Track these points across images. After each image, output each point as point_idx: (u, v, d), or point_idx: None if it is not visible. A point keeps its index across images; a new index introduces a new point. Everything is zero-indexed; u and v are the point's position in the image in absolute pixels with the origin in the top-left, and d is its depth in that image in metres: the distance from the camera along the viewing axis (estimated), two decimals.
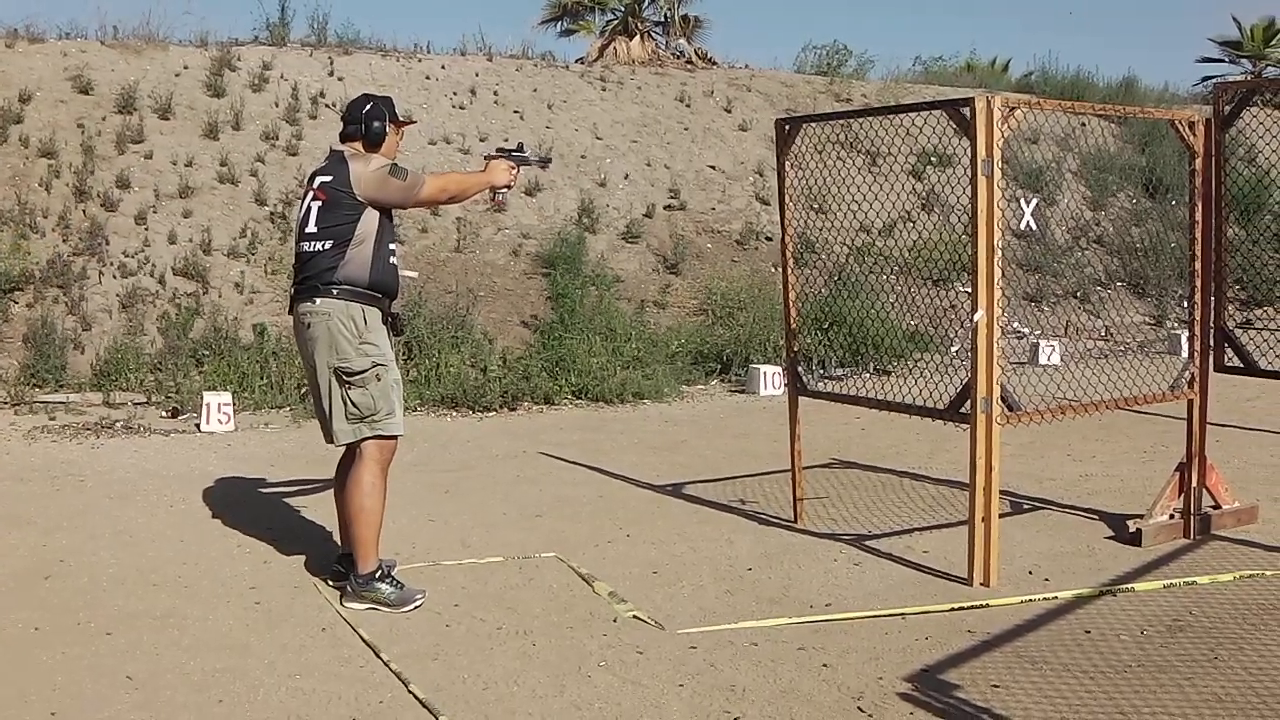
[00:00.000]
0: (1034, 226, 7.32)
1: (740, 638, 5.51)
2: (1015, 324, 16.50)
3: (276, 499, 8.19)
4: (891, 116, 7.41)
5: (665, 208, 17.32)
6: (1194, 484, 7.11)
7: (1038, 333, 16.13)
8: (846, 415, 10.47)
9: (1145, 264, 18.68)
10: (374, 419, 5.93)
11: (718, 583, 6.35)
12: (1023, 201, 6.61)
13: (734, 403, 12.70)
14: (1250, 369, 7.08)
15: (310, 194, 6.02)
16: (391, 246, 6.09)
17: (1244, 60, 31.52)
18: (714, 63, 22.43)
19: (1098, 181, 20.47)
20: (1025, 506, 7.89)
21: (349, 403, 5.91)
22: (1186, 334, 7.55)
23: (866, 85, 22.31)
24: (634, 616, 5.77)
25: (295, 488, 8.39)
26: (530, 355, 13.09)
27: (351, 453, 6.03)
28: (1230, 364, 7.10)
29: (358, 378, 5.89)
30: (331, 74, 17.54)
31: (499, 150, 6.55)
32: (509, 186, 6.46)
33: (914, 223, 16.93)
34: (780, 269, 7.53)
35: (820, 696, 4.84)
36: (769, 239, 17.01)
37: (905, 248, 15.80)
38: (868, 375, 12.28)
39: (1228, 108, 7.08)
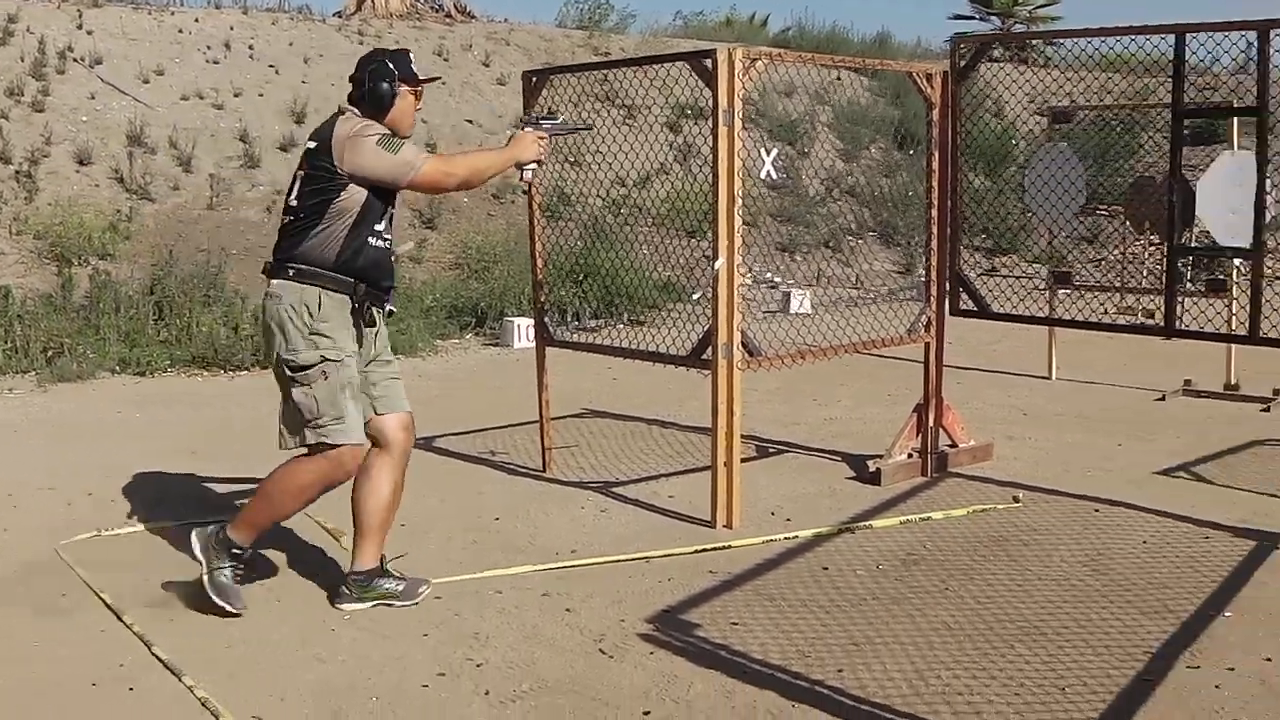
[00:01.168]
0: (774, 176, 7.49)
1: (486, 586, 5.57)
2: (769, 274, 16.81)
3: (17, 464, 7.91)
4: (647, 69, 7.46)
5: None
6: (931, 424, 7.39)
7: (790, 282, 16.47)
8: (599, 366, 10.55)
9: (894, 214, 19.20)
10: (317, 424, 5.10)
11: (465, 533, 6.39)
12: (763, 151, 6.76)
13: (488, 356, 12.69)
14: (984, 312, 7.39)
15: (300, 163, 5.31)
16: (379, 228, 5.25)
17: (994, 17, 32.53)
18: (473, 16, 22.28)
19: (850, 134, 20.94)
20: (771, 450, 8.10)
21: (291, 401, 5.14)
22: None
23: (626, 40, 22.42)
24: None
25: (41, 453, 8.14)
26: None
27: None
28: (965, 308, 7.39)
29: (303, 374, 5.08)
30: (80, 27, 16.86)
31: (524, 119, 5.88)
32: (539, 162, 5.63)
33: (669, 175, 17.08)
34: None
35: (563, 640, 4.93)
36: (525, 193, 17.00)
37: (660, 200, 15.98)
38: (621, 326, 12.37)
39: (964, 61, 7.32)
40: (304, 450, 5.18)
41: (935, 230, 7.31)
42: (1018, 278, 10.21)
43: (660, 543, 6.15)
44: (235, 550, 5.21)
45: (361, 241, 5.17)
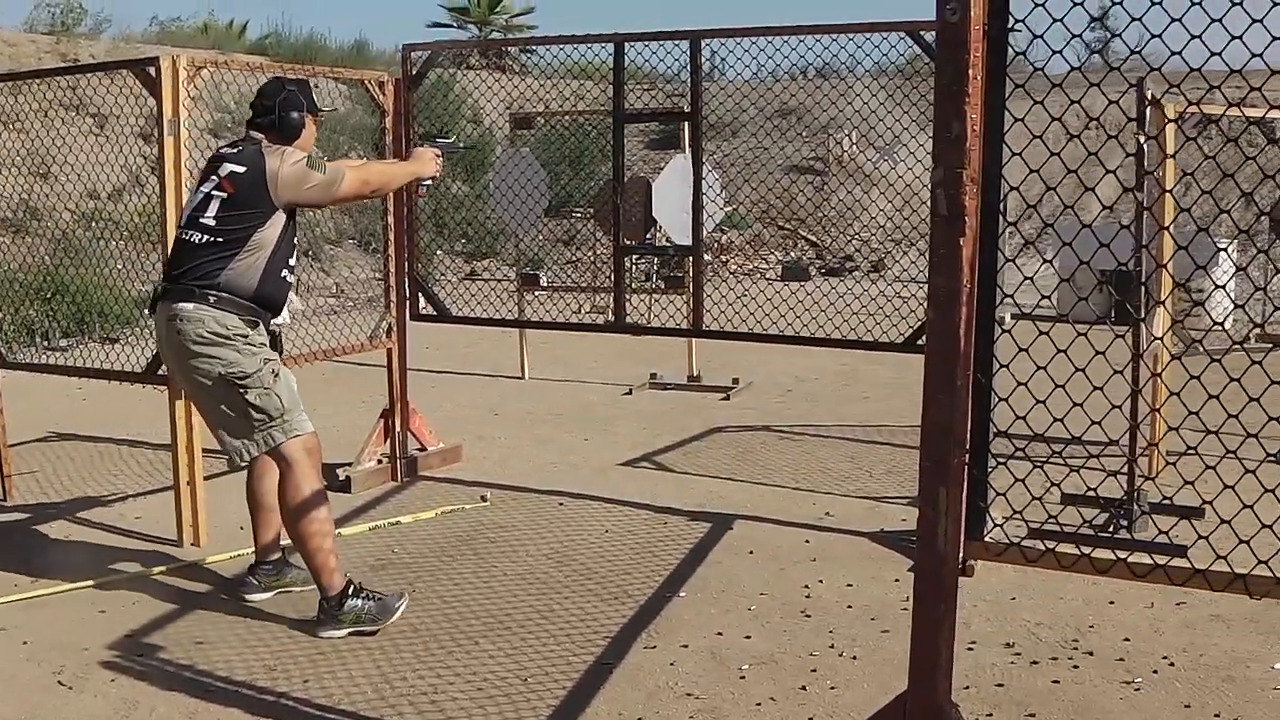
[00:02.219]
0: None
1: None
2: None
3: None
4: (114, 75, 7.10)
5: None
6: (398, 429, 7.44)
7: None
8: (69, 387, 10.08)
9: (374, 220, 19.22)
10: (285, 419, 5.09)
11: None
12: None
13: None
14: (444, 317, 7.51)
15: (212, 179, 5.12)
16: (291, 261, 5.28)
17: (471, 25, 33.07)
18: None
19: (329, 141, 20.80)
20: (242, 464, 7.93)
21: (251, 409, 5.04)
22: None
23: (97, 45, 21.43)
24: None
25: None
26: None
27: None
28: (425, 312, 7.47)
29: (253, 378, 5.03)
30: None
31: (420, 138, 5.85)
32: (434, 177, 5.80)
33: (144, 186, 16.49)
34: None
35: (20, 675, 4.68)
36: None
37: (135, 212, 15.41)
38: (94, 344, 11.87)
39: (415, 69, 7.40)
40: (249, 461, 5.24)
41: (393, 237, 7.37)
42: (498, 281, 10.40)
43: (126, 566, 5.93)
44: (350, 590, 5.11)
45: (275, 273, 5.17)
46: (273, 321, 5.30)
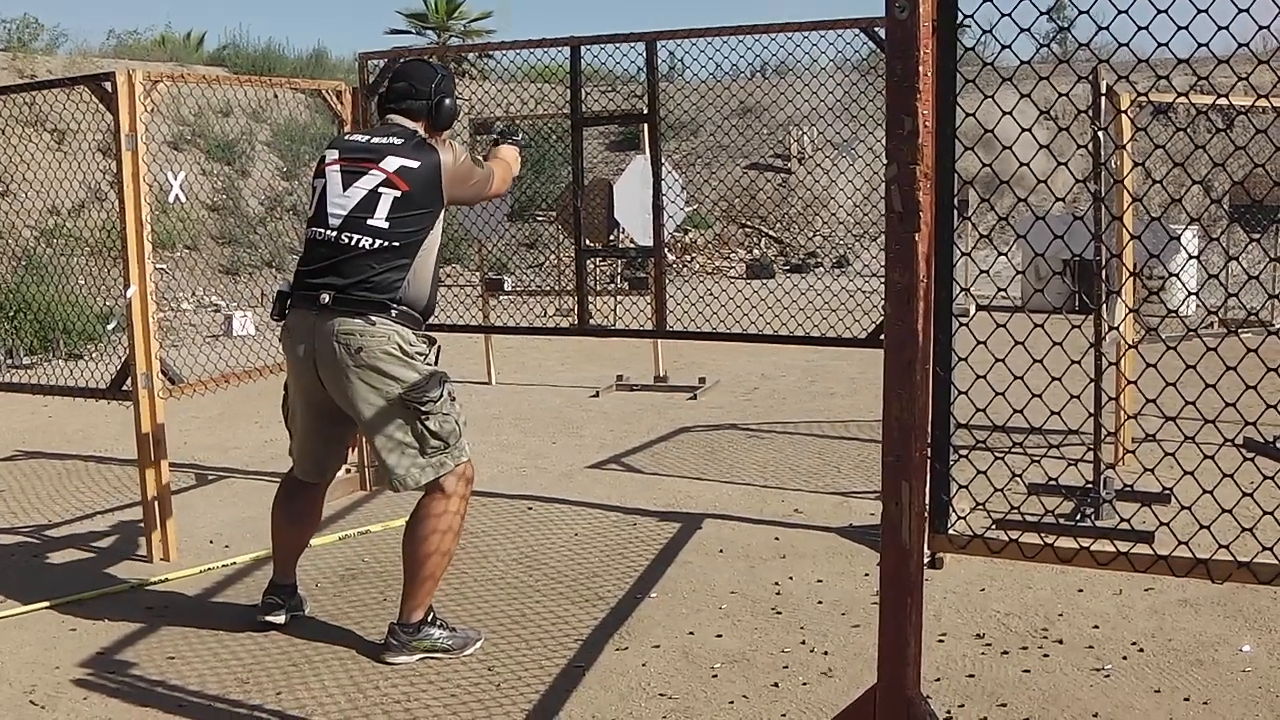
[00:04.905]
0: (183, 199, 7.34)
1: None
2: (211, 297, 16.44)
3: None
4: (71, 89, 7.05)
5: None
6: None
7: (234, 304, 16.16)
8: (34, 405, 10.02)
9: None
10: (457, 446, 4.73)
11: None
12: (170, 175, 6.60)
13: None
14: None
15: (375, 174, 4.68)
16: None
17: (429, 31, 33.02)
18: None
19: (291, 152, 20.76)
20: (210, 477, 7.90)
21: (428, 434, 4.64)
22: None
23: (54, 60, 21.34)
24: None
25: None
26: None
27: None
28: None
29: (434, 404, 4.64)
30: None
31: (499, 135, 5.57)
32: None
33: (105, 201, 16.42)
34: None
35: None
36: None
37: (97, 227, 15.35)
38: (60, 361, 11.82)
39: (373, 77, 7.39)
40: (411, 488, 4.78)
41: None
42: (461, 286, 10.40)
43: (95, 583, 5.90)
44: (430, 620, 4.85)
45: (438, 282, 4.89)
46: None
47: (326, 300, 4.62)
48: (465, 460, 4.80)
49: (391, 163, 4.69)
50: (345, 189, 4.71)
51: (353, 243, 4.64)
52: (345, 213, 4.67)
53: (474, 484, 4.94)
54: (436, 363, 4.79)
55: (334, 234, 4.68)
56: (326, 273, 4.66)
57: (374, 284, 4.61)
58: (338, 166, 4.79)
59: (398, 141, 4.76)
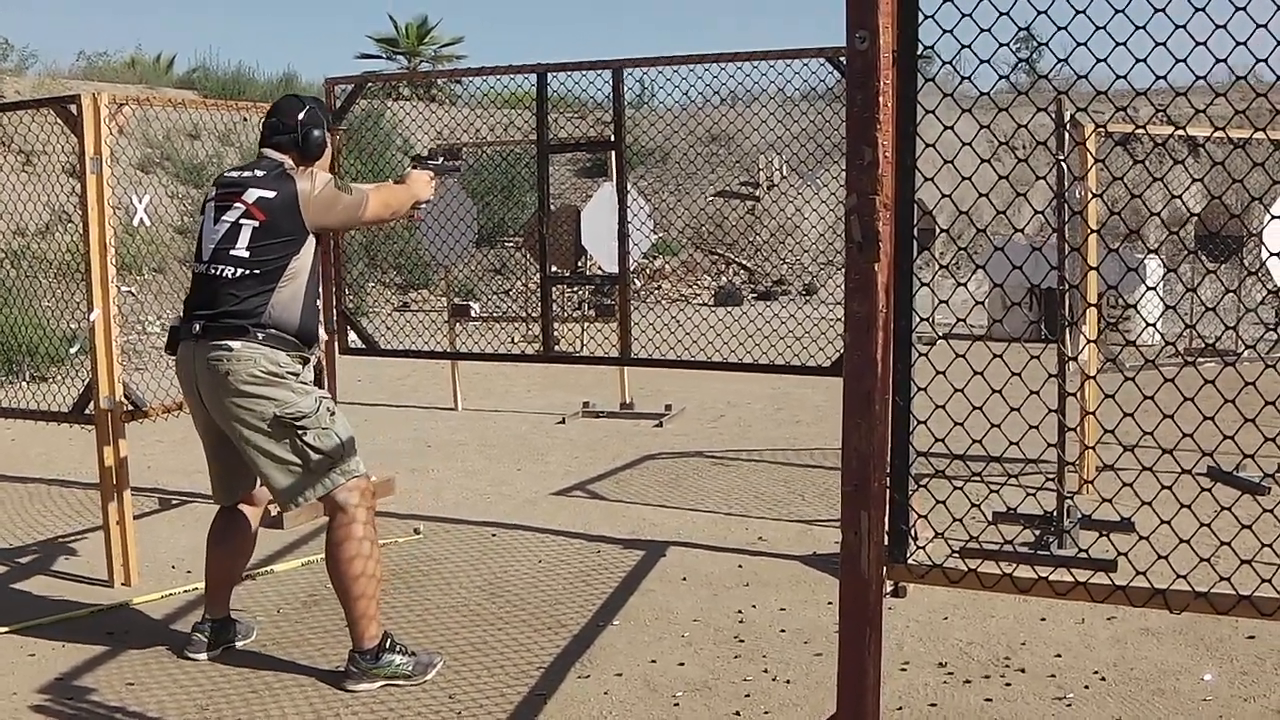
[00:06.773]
0: (148, 221, 7.32)
1: None
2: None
3: None
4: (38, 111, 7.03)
5: None
6: None
7: None
8: None
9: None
10: (344, 461, 4.79)
11: None
12: (134, 197, 6.59)
13: None
14: (373, 349, 7.48)
15: (237, 207, 4.80)
16: (318, 289, 5.04)
17: (400, 56, 33.09)
18: None
19: None
20: (174, 502, 7.86)
21: (310, 451, 4.72)
22: None
23: (22, 81, 21.27)
24: None
25: None
26: None
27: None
28: (354, 345, 7.45)
29: (311, 418, 4.73)
30: None
31: (414, 159, 5.63)
32: (429, 201, 5.54)
33: (73, 222, 16.36)
34: None
35: None
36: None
37: (63, 249, 15.29)
38: (24, 384, 11.76)
39: (339, 101, 7.39)
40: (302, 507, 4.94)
41: (320, 271, 7.33)
42: (428, 312, 10.39)
43: (54, 608, 5.85)
44: (387, 645, 4.89)
45: (312, 302, 4.95)
46: (311, 355, 5.07)
47: (197, 329, 4.79)
48: (359, 475, 4.87)
49: (251, 195, 4.85)
50: (215, 223, 4.89)
51: (219, 273, 4.81)
52: (214, 245, 4.85)
53: (378, 499, 5.08)
54: (315, 381, 4.96)
55: (205, 266, 4.87)
56: (201, 304, 4.85)
57: (236, 311, 4.76)
58: (213, 203, 4.96)
59: (260, 174, 4.92)
